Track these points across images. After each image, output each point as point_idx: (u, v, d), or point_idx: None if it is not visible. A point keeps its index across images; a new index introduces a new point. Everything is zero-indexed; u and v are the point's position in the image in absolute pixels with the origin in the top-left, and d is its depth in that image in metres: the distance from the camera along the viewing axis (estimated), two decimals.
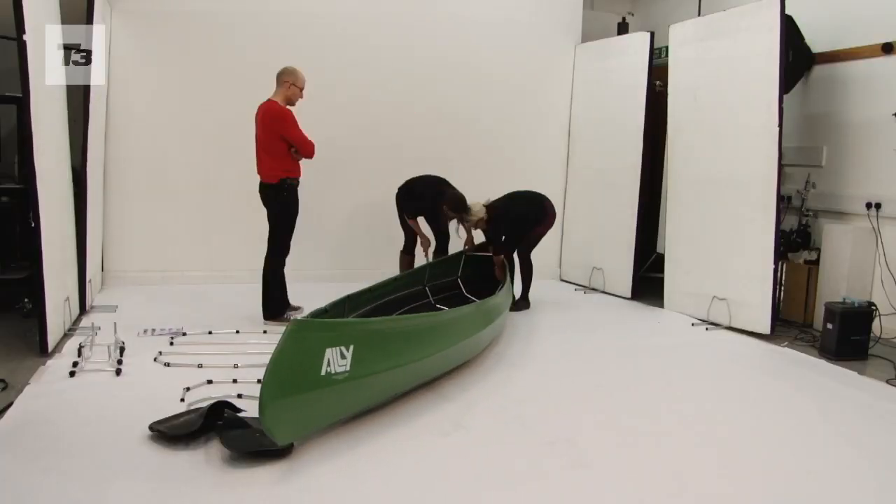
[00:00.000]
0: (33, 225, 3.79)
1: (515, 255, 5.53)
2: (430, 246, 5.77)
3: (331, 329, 2.89)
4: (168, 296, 5.50)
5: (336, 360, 2.77)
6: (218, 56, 5.95)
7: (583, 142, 6.86)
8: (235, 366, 3.75)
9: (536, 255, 5.60)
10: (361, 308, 4.26)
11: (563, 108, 6.96)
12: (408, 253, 5.82)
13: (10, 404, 3.16)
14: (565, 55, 6.91)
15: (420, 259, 5.78)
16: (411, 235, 5.77)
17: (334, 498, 2.52)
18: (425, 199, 5.59)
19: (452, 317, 3.91)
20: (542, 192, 5.63)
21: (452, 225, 5.59)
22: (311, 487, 2.57)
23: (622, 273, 6.18)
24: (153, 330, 4.45)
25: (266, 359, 2.64)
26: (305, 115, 6.17)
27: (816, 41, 5.39)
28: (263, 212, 4.86)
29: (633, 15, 7.55)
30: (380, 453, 2.86)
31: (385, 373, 3.07)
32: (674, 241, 5.71)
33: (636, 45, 6.15)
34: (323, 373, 2.72)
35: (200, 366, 3.75)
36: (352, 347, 2.83)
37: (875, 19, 5.04)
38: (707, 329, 5.14)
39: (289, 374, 2.64)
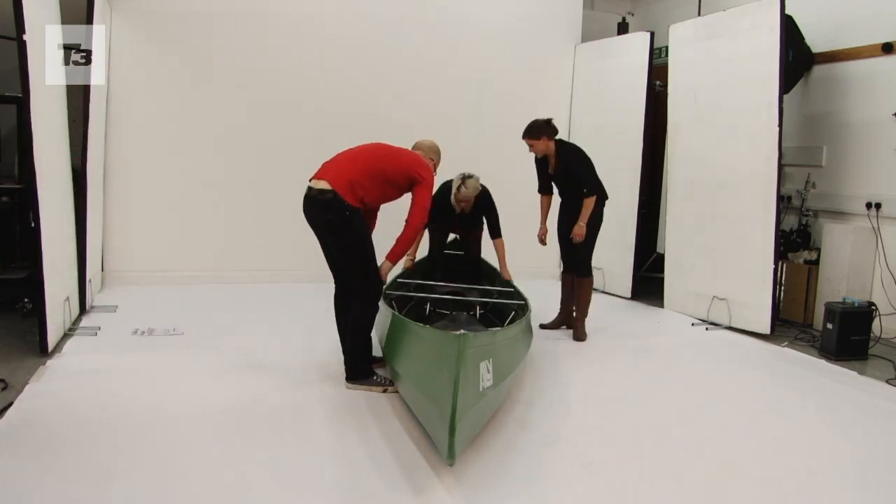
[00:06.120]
0: (33, 225, 3.79)
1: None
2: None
3: (486, 343, 2.90)
4: (168, 296, 5.50)
5: (485, 375, 2.76)
6: (218, 56, 5.95)
7: (583, 142, 6.80)
8: None
9: (536, 253, 5.53)
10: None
11: (563, 108, 6.96)
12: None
13: (10, 404, 3.16)
14: (565, 55, 6.91)
15: None
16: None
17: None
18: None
19: (526, 324, 3.94)
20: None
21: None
22: (310, 487, 2.57)
23: (622, 273, 6.18)
24: (152, 330, 4.45)
25: None
26: (304, 115, 6.21)
27: (816, 41, 5.39)
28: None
29: (633, 15, 7.55)
30: (381, 455, 2.87)
31: (504, 381, 3.07)
32: (674, 241, 5.71)
33: (636, 45, 6.16)
34: (480, 389, 2.71)
35: None
36: (491, 360, 2.84)
37: (875, 19, 5.04)
38: (707, 329, 5.14)
39: (465, 395, 2.57)
